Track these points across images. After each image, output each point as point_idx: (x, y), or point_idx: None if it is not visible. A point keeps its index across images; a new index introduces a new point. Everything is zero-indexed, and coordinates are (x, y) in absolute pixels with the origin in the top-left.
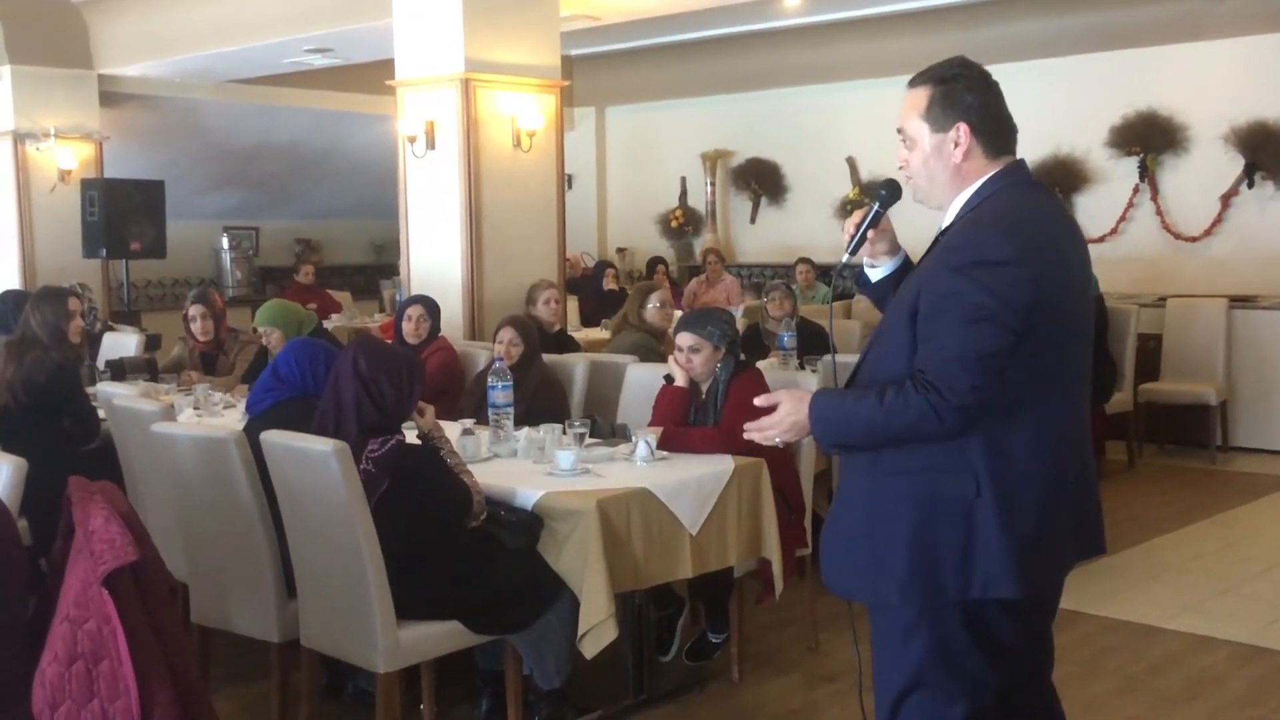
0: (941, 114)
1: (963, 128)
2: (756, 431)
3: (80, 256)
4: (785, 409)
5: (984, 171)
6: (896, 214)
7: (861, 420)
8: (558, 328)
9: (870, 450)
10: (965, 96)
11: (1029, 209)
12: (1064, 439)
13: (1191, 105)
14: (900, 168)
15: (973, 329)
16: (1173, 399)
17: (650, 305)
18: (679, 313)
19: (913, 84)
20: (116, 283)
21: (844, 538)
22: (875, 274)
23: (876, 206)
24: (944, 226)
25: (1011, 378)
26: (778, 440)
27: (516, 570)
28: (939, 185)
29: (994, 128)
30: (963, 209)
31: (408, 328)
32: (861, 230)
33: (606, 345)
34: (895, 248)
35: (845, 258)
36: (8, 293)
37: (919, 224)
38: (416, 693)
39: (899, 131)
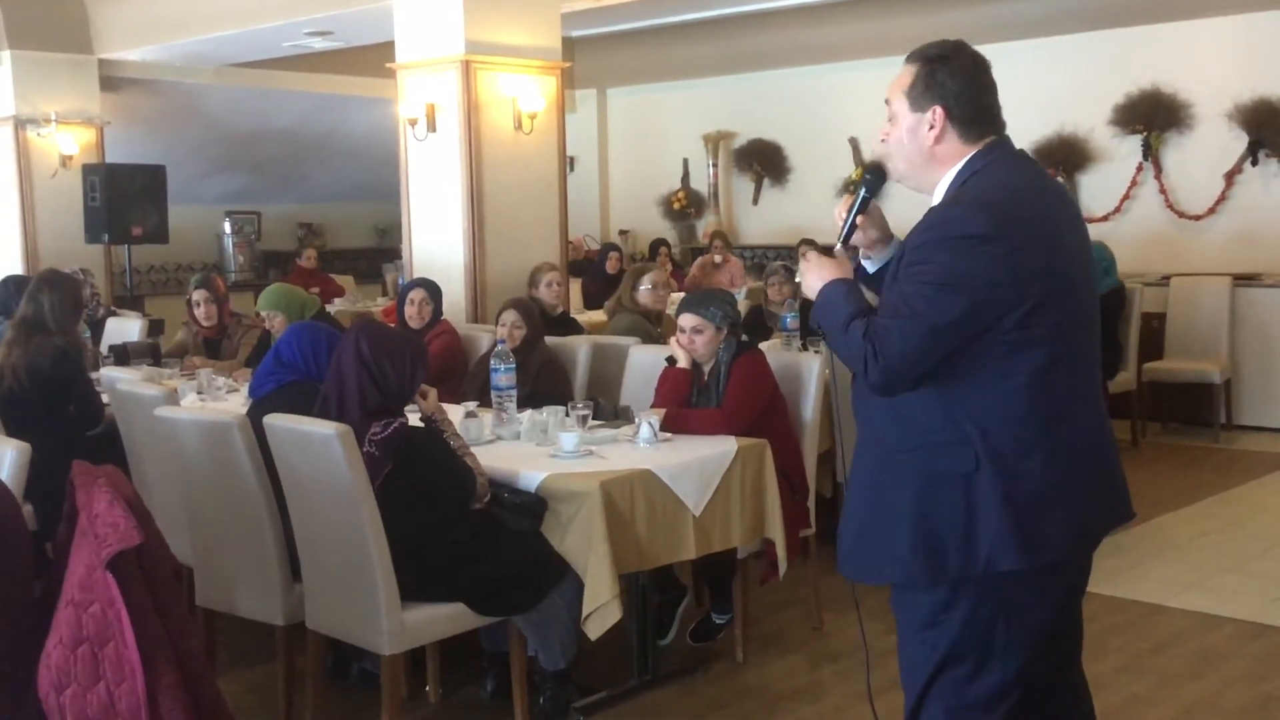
0: (921, 94)
1: (938, 111)
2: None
3: (82, 242)
4: (826, 265)
5: (962, 154)
6: (891, 201)
7: (840, 320)
8: (560, 310)
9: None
10: (946, 80)
11: (1011, 184)
12: (1067, 407)
13: (1195, 83)
14: (881, 140)
15: (927, 296)
16: (1177, 378)
17: (643, 287)
18: (676, 295)
19: (906, 60)
20: (119, 268)
21: (852, 522)
22: (872, 266)
23: (863, 192)
24: (931, 208)
25: (1000, 347)
26: (799, 277)
27: (520, 552)
28: (914, 165)
29: (971, 115)
30: (949, 190)
31: (410, 311)
32: (849, 217)
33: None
34: (888, 235)
35: (838, 247)
36: (9, 278)
37: (915, 210)
38: (422, 674)
39: (886, 103)
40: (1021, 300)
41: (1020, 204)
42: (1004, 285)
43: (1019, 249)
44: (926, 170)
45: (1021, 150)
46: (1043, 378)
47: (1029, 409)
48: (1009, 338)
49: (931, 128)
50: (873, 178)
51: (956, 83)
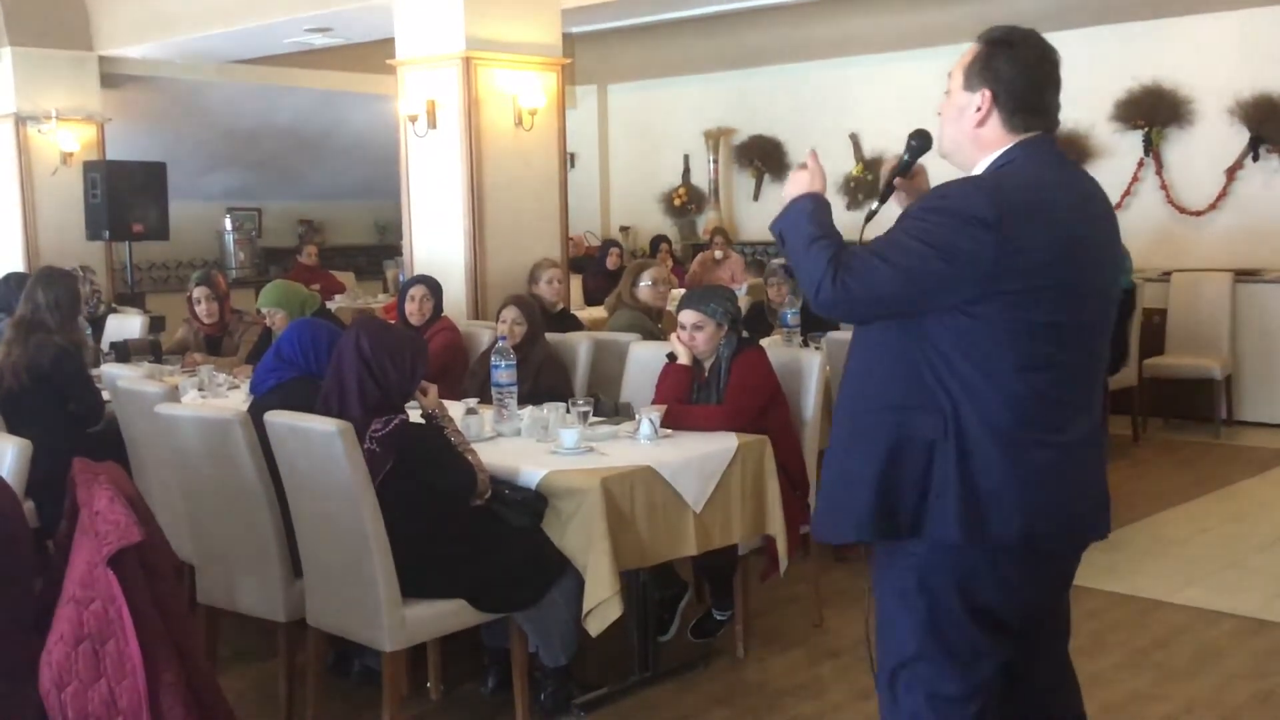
0: (976, 76)
1: (986, 95)
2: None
3: (83, 239)
4: (803, 177)
5: (1003, 142)
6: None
7: (804, 236)
8: (560, 306)
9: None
10: (1002, 66)
11: (1033, 182)
12: (1052, 406)
13: (1196, 78)
14: (938, 114)
15: (908, 251)
16: (1178, 373)
17: (643, 284)
18: (677, 291)
19: (976, 38)
20: (120, 265)
21: (826, 481)
22: None
23: (906, 157)
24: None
25: (985, 330)
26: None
27: (521, 549)
28: (957, 144)
29: (1019, 105)
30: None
31: (410, 308)
32: (889, 179)
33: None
34: None
35: (875, 205)
36: (10, 275)
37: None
38: (423, 671)
39: (948, 77)
40: (1002, 291)
41: (1034, 201)
42: (984, 272)
43: (1012, 240)
44: (968, 151)
45: (1060, 151)
46: (1029, 372)
47: (1008, 398)
48: (1000, 322)
49: (978, 110)
50: (917, 144)
51: (1011, 71)
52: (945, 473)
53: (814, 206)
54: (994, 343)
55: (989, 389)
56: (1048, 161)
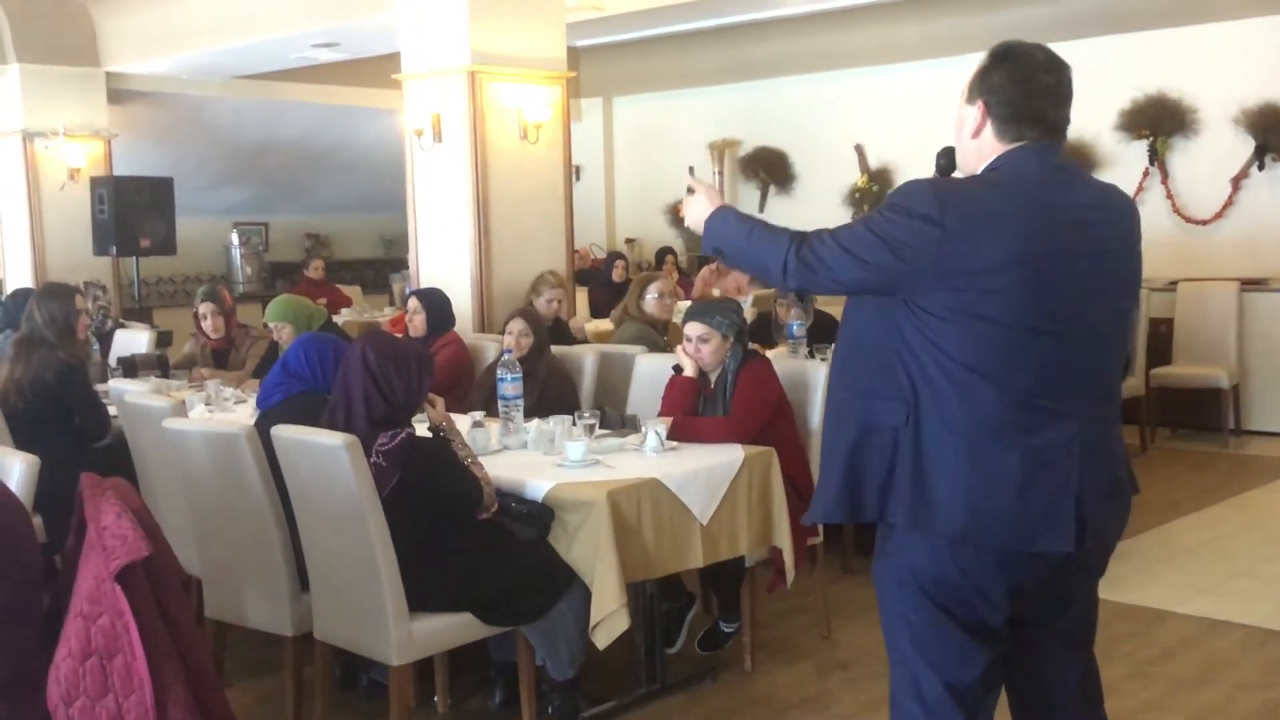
0: (974, 88)
1: (980, 106)
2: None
3: (91, 254)
4: (699, 202)
5: (995, 151)
6: None
7: (742, 230)
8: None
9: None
10: (995, 77)
11: (1005, 186)
12: (1018, 410)
13: (1201, 87)
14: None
15: (857, 237)
16: (1185, 383)
17: (649, 296)
18: (683, 303)
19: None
20: (127, 280)
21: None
22: None
23: (935, 174)
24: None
25: (945, 330)
26: (684, 215)
27: (528, 561)
28: (964, 156)
29: (1010, 114)
30: None
31: (411, 321)
32: None
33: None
34: None
35: None
36: (17, 291)
37: None
38: (430, 684)
39: (960, 93)
40: (952, 288)
41: (988, 204)
42: (930, 266)
43: (957, 238)
44: (971, 162)
45: (1060, 160)
46: (990, 373)
47: (965, 396)
48: (954, 320)
49: (974, 121)
50: (945, 161)
51: (1005, 81)
52: (903, 460)
53: (734, 214)
54: (951, 342)
55: (947, 385)
56: (1027, 168)
